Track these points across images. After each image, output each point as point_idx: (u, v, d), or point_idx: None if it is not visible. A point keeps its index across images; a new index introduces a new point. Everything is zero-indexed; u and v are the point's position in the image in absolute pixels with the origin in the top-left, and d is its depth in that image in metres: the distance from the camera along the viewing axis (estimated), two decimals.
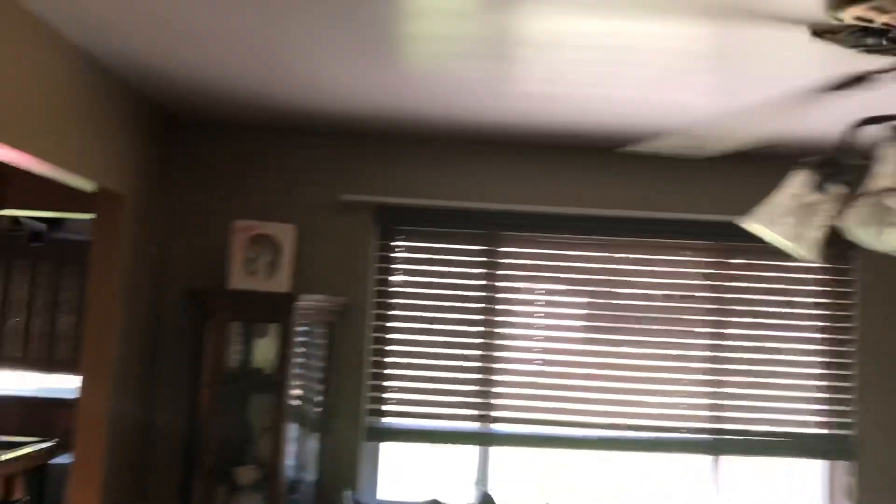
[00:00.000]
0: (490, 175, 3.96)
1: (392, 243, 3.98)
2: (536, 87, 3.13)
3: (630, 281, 4.00)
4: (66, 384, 7.04)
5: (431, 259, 3.99)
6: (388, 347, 3.93)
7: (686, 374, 3.94)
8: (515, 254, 4.00)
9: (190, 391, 3.66)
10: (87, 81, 2.99)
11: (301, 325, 3.60)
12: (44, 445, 5.66)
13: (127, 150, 3.38)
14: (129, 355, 3.51)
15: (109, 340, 3.31)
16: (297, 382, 3.65)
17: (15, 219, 5.62)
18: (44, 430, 7.17)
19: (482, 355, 3.93)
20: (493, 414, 3.91)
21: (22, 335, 7.20)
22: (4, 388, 7.12)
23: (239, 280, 3.56)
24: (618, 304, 3.98)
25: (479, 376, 3.92)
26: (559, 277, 3.99)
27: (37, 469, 5.39)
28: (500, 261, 3.99)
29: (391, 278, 3.97)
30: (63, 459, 6.33)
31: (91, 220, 3.39)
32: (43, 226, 5.68)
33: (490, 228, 3.97)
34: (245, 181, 3.93)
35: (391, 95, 3.31)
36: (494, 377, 3.92)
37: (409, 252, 4.00)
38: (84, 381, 3.34)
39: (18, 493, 4.68)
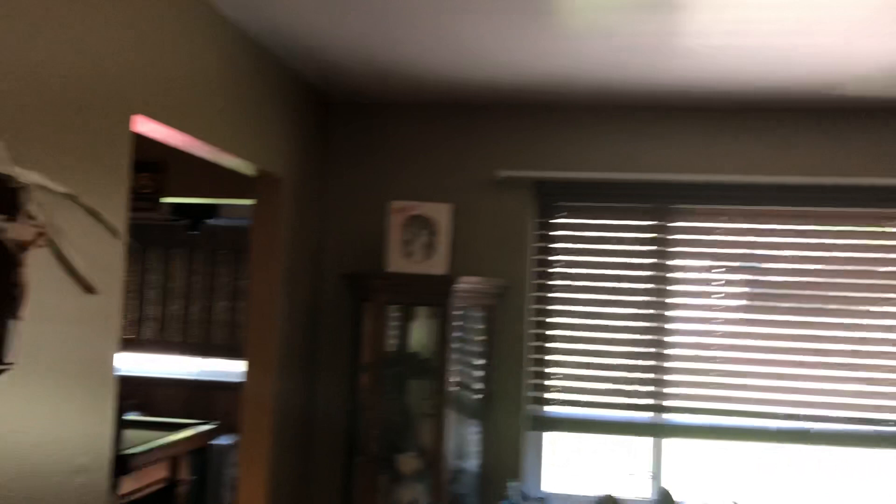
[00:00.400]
0: (659, 143, 3.65)
1: (552, 221, 3.75)
2: (718, 40, 2.80)
3: (819, 257, 3.58)
4: (223, 367, 7.33)
5: (595, 237, 3.73)
6: (549, 332, 3.71)
7: (883, 359, 3.50)
8: (688, 229, 3.67)
9: (349, 375, 3.59)
10: (244, 61, 2.93)
11: (459, 308, 3.44)
12: (206, 427, 5.83)
13: (284, 132, 3.32)
14: (290, 339, 3.47)
15: (272, 325, 3.28)
16: (456, 368, 3.50)
17: (173, 208, 5.81)
18: (204, 411, 7.47)
19: (653, 339, 3.64)
20: (666, 403, 3.61)
21: (181, 321, 7.52)
22: (168, 371, 7.48)
23: (396, 262, 3.44)
24: (805, 282, 3.58)
25: (650, 363, 3.63)
26: (737, 254, 3.63)
27: (199, 450, 5.54)
28: (670, 237, 3.67)
29: (552, 258, 3.74)
30: (223, 441, 6.55)
31: (250, 205, 3.36)
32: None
33: (659, 202, 3.66)
34: (400, 161, 3.81)
35: (548, 60, 3.08)
36: (666, 363, 3.62)
37: (570, 230, 3.75)
38: (249, 366, 3.31)
39: (184, 474, 4.81)
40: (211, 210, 5.82)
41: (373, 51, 3.09)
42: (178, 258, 7.45)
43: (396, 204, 3.45)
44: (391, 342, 3.55)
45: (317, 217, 3.75)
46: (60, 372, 1.91)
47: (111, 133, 2.10)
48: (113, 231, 2.10)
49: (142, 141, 3.81)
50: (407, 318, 3.72)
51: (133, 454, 3.96)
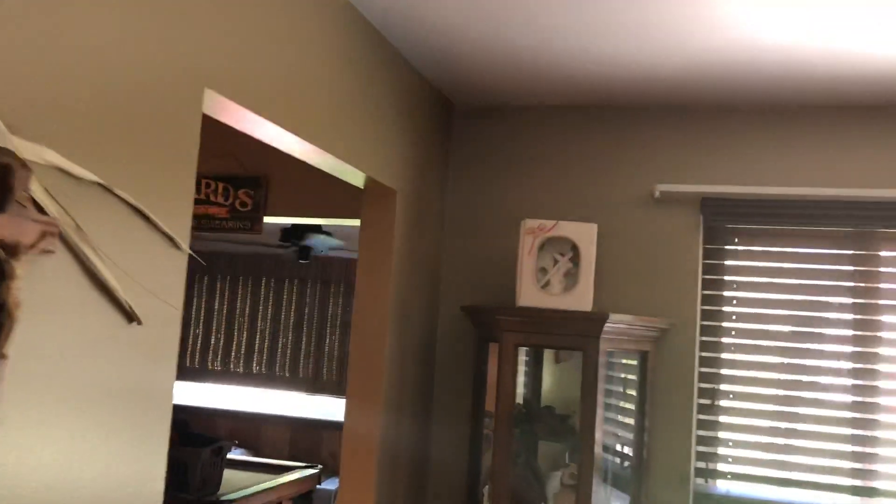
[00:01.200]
0: (863, 151, 2.88)
1: (724, 247, 3.03)
2: None
3: None
4: (331, 405, 6.89)
5: (778, 268, 2.98)
6: (722, 386, 2.97)
7: None
8: None
9: (471, 425, 2.98)
10: (360, 51, 2.41)
11: (608, 353, 2.76)
12: (310, 472, 5.46)
13: (400, 138, 2.78)
14: (401, 378, 2.88)
15: (379, 360, 2.71)
16: (604, 428, 2.81)
17: (282, 234, 5.42)
18: (310, 452, 7.06)
19: (858, 401, 2.83)
20: (877, 484, 2.79)
21: (290, 355, 7.15)
22: (275, 408, 7.11)
23: (529, 295, 2.81)
24: None
25: (856, 431, 2.82)
26: None
27: (304, 495, 5.13)
28: (876, 269, 2.88)
29: (725, 293, 3.01)
30: (328, 485, 6.09)
31: (359, 225, 2.83)
32: (314, 241, 5.42)
33: (860, 224, 2.88)
34: (533, 174, 3.19)
35: (713, 50, 2.40)
36: (878, 432, 2.81)
37: (747, 259, 3.01)
38: (349, 405, 2.76)
39: None
40: (320, 233, 5.38)
41: (509, 43, 2.51)
42: (288, 288, 7.11)
43: (530, 223, 2.83)
44: (521, 391, 2.92)
45: (435, 238, 3.17)
46: (98, 409, 1.38)
47: (175, 111, 1.59)
48: (171, 239, 1.57)
49: (240, 152, 3.35)
50: (539, 362, 3.08)
51: (232, 500, 3.67)
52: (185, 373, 7.22)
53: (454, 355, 3.19)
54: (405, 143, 2.83)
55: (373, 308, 2.70)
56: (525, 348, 2.91)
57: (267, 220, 3.49)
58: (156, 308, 1.54)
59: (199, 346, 7.25)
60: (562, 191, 3.14)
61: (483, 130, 3.27)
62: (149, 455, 1.55)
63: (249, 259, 7.08)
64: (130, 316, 1.46)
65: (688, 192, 2.97)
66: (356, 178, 2.60)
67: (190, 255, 1.63)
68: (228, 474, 4.36)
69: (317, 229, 5.32)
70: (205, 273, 7.20)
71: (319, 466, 5.85)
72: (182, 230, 1.61)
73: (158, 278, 1.55)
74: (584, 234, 2.81)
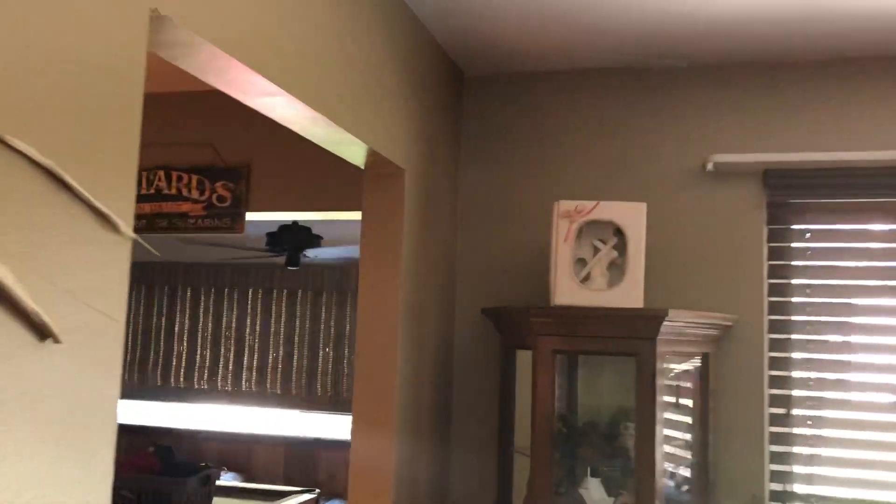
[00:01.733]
0: None
1: (792, 226, 2.56)
2: None
3: None
4: (325, 423, 6.41)
5: (859, 250, 2.52)
6: (796, 392, 2.50)
7: None
8: None
9: (500, 447, 2.51)
10: (361, 6, 1.94)
11: (664, 357, 2.30)
12: (307, 497, 5.01)
13: (406, 107, 2.30)
14: (416, 395, 2.41)
15: (389, 376, 2.23)
16: (663, 447, 2.34)
17: (269, 238, 4.94)
18: (306, 473, 6.56)
19: None
20: None
21: (282, 370, 6.65)
22: (267, 428, 6.62)
23: (566, 291, 2.33)
24: None
25: None
26: None
27: None
28: None
29: (794, 282, 2.54)
30: None
31: (360, 216, 2.35)
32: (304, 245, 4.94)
33: None
34: (562, 149, 2.73)
35: None
36: None
37: (820, 239, 2.55)
38: (356, 429, 2.28)
39: None
40: (312, 240, 4.90)
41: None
42: (277, 298, 6.61)
43: (565, 205, 2.36)
44: (559, 405, 2.44)
45: (449, 227, 2.69)
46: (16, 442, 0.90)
47: (108, 39, 1.11)
48: (104, 218, 1.09)
49: (217, 139, 2.87)
50: (574, 369, 2.62)
51: None
52: (168, 393, 6.72)
53: (474, 366, 2.72)
54: (413, 113, 2.36)
55: (380, 313, 2.22)
56: (565, 356, 2.43)
57: (250, 216, 3.01)
58: (87, 317, 1.06)
59: (183, 364, 6.74)
60: (596, 168, 2.68)
61: (502, 101, 2.79)
62: (84, 484, 1.07)
63: (236, 269, 6.58)
64: (43, 331, 0.98)
65: (747, 162, 2.51)
66: (356, 154, 2.12)
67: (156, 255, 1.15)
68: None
69: (306, 234, 4.84)
70: (188, 285, 6.70)
71: (317, 491, 5.38)
72: (123, 207, 1.13)
73: (87, 276, 1.07)
74: (632, 216, 2.34)
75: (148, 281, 6.71)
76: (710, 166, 2.53)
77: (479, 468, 2.66)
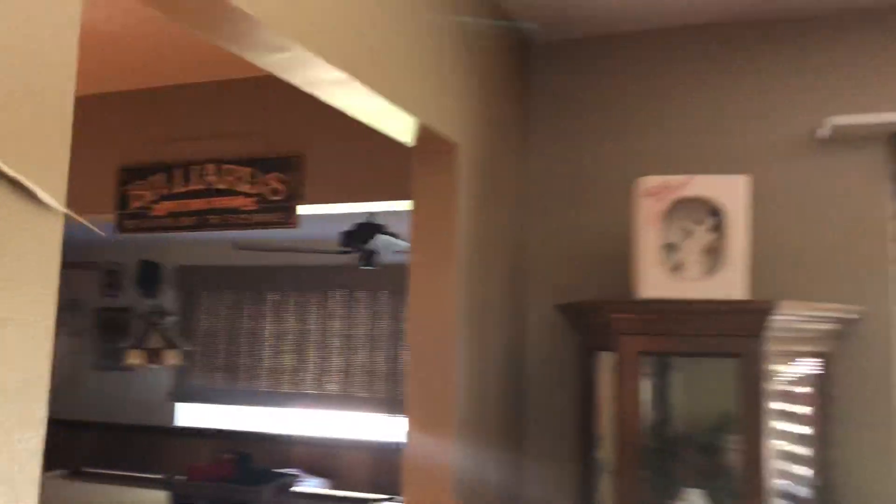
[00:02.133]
0: None
1: None
2: None
3: None
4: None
5: None
6: None
7: None
8: None
9: (581, 461, 2.19)
10: None
11: (775, 357, 1.93)
12: None
13: (464, 79, 2.02)
14: (479, 402, 2.12)
15: (448, 377, 1.96)
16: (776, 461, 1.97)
17: (344, 237, 4.75)
18: (394, 479, 6.36)
19: None
20: None
21: (366, 373, 6.48)
22: (354, 432, 6.45)
23: (654, 282, 2.00)
24: None
25: None
26: None
27: None
28: None
29: None
30: None
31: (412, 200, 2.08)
32: (379, 243, 4.73)
33: None
34: (644, 118, 2.38)
35: None
36: None
37: None
38: (412, 428, 2.02)
39: None
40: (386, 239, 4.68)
41: None
42: (354, 300, 6.44)
43: (650, 181, 2.02)
44: (650, 411, 2.11)
45: (515, 212, 2.38)
46: None
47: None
48: (20, 186, 0.85)
49: (267, 128, 2.68)
50: (665, 373, 2.27)
51: None
52: (256, 398, 6.65)
53: (549, 370, 2.40)
54: (470, 83, 2.07)
55: (434, 311, 1.95)
56: (654, 357, 2.09)
57: (305, 209, 2.79)
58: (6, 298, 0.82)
59: (266, 369, 6.68)
60: (685, 139, 2.32)
61: (574, 68, 2.48)
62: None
63: (315, 271, 6.45)
64: None
65: (871, 124, 2.10)
66: (404, 130, 1.85)
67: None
68: None
69: (379, 230, 4.63)
70: (274, 290, 6.63)
71: (402, 498, 5.17)
72: (53, 178, 0.89)
73: (15, 256, 0.83)
74: (732, 192, 1.98)
75: (233, 286, 6.69)
76: (825, 131, 2.13)
77: (555, 483, 2.34)
